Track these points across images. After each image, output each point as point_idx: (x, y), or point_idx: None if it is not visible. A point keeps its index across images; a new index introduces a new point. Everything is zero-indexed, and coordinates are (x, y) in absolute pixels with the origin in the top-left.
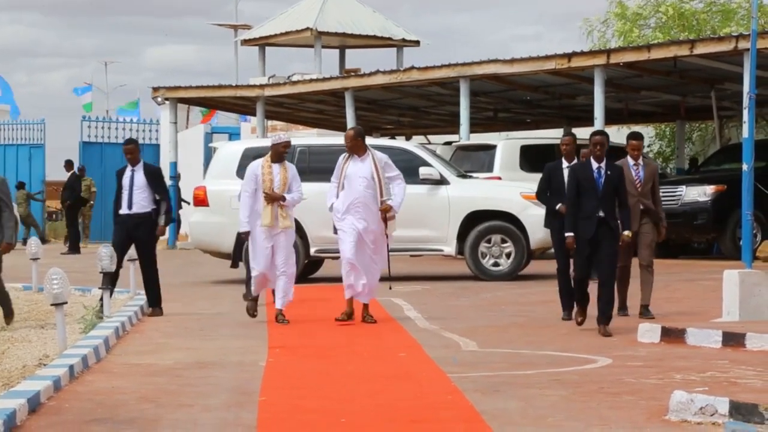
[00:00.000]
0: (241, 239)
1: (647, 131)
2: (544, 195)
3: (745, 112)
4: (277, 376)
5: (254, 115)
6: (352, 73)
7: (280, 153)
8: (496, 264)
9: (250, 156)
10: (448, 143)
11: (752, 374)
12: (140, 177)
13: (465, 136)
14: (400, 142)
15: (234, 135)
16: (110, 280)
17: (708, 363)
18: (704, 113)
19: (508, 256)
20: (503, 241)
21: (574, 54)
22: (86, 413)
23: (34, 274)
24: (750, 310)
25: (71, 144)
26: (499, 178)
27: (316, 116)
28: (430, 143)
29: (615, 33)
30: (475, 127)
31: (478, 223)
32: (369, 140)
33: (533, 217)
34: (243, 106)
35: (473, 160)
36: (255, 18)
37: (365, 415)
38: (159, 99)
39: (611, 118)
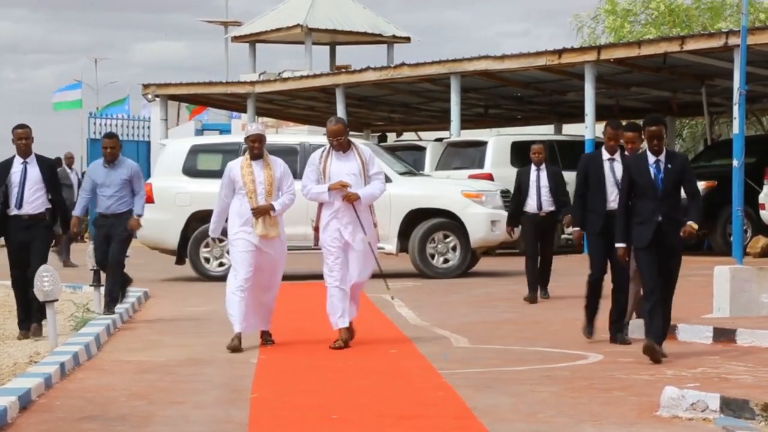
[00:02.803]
0: (186, 236)
1: None
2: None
3: (735, 108)
4: (269, 373)
5: (245, 111)
6: (343, 70)
7: (251, 149)
8: (442, 261)
9: (196, 153)
10: (439, 140)
11: (743, 370)
12: (35, 171)
13: (456, 133)
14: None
15: (224, 131)
16: (33, 310)
17: (699, 359)
18: (694, 109)
19: (452, 253)
20: (447, 238)
21: (565, 50)
22: (77, 411)
23: None
24: (740, 306)
25: (74, 140)
26: (490, 175)
27: (307, 113)
28: (420, 140)
29: (605, 29)
30: (466, 123)
31: (420, 221)
32: (303, 137)
33: (474, 216)
34: (233, 103)
35: (464, 157)
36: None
37: (356, 411)
38: (149, 96)
39: (602, 114)
